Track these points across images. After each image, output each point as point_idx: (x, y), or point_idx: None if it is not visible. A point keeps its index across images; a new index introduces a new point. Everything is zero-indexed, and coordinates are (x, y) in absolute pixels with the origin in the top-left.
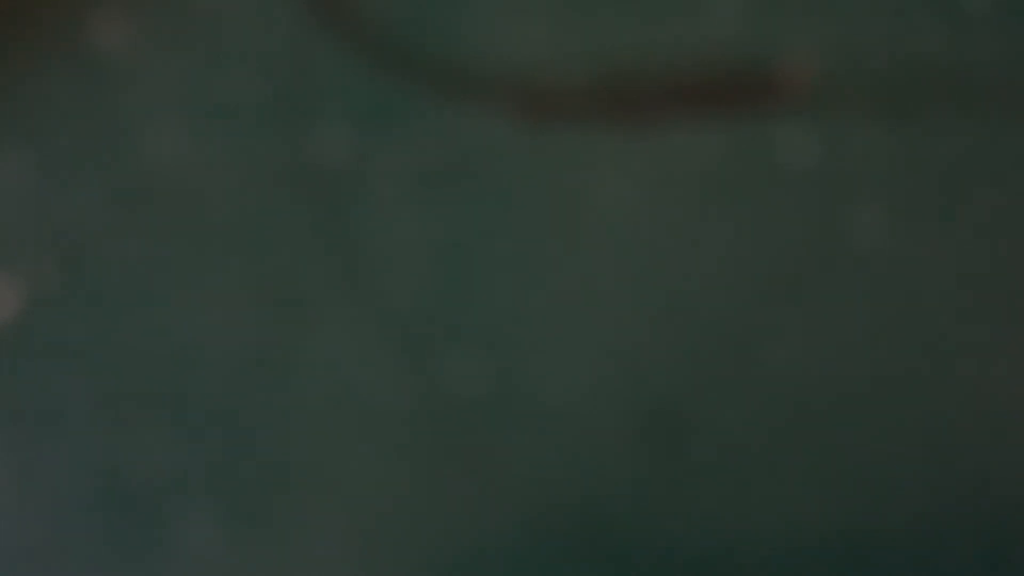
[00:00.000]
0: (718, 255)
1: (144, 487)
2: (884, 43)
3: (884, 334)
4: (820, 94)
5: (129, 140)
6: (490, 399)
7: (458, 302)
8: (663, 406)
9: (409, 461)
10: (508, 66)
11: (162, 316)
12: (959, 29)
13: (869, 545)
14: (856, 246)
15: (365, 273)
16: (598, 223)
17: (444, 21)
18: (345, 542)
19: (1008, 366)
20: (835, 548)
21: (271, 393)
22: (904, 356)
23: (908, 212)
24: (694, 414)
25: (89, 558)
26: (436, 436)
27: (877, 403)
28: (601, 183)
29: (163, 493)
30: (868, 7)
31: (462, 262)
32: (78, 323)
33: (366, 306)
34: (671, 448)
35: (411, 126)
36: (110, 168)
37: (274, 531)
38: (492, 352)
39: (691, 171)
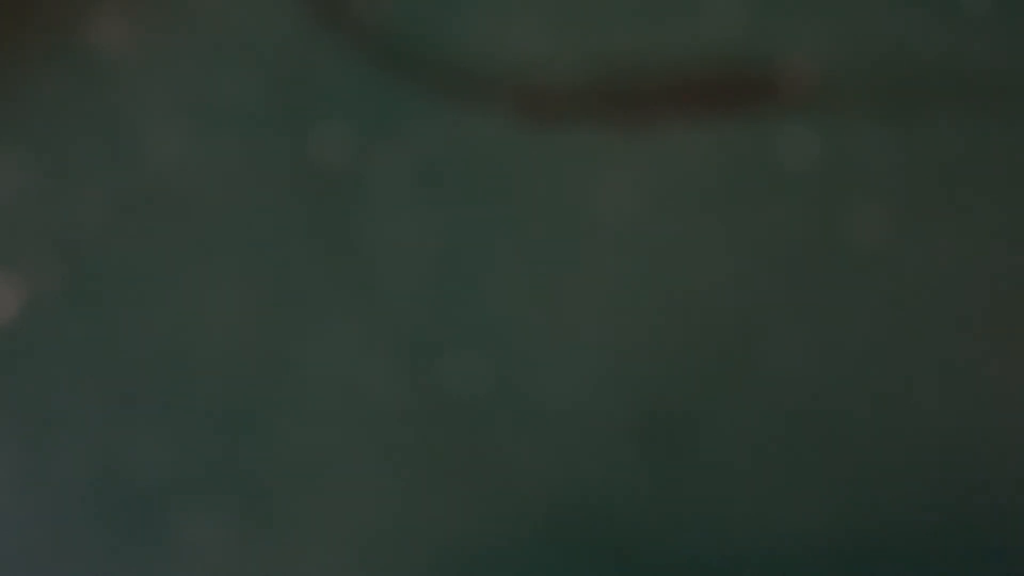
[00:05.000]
0: (718, 255)
1: (144, 487)
2: (884, 43)
3: (884, 333)
4: (820, 94)
5: (129, 140)
6: (490, 399)
7: (458, 302)
8: (663, 407)
9: (409, 461)
10: (508, 66)
11: (162, 316)
12: (959, 29)
13: (869, 545)
14: (856, 246)
15: (365, 273)
16: (598, 223)
17: (444, 21)
18: (345, 541)
19: (1008, 365)
20: (834, 547)
21: (271, 393)
22: (904, 355)
23: (908, 212)
24: (694, 415)
25: (89, 558)
26: (436, 436)
27: (877, 403)
28: (601, 183)
29: (163, 493)
30: (868, 7)
31: (462, 262)
32: (78, 323)
33: (366, 306)
34: (671, 448)
35: (411, 126)
36: (110, 168)
37: (274, 531)
38: (492, 352)
39: (691, 171)
